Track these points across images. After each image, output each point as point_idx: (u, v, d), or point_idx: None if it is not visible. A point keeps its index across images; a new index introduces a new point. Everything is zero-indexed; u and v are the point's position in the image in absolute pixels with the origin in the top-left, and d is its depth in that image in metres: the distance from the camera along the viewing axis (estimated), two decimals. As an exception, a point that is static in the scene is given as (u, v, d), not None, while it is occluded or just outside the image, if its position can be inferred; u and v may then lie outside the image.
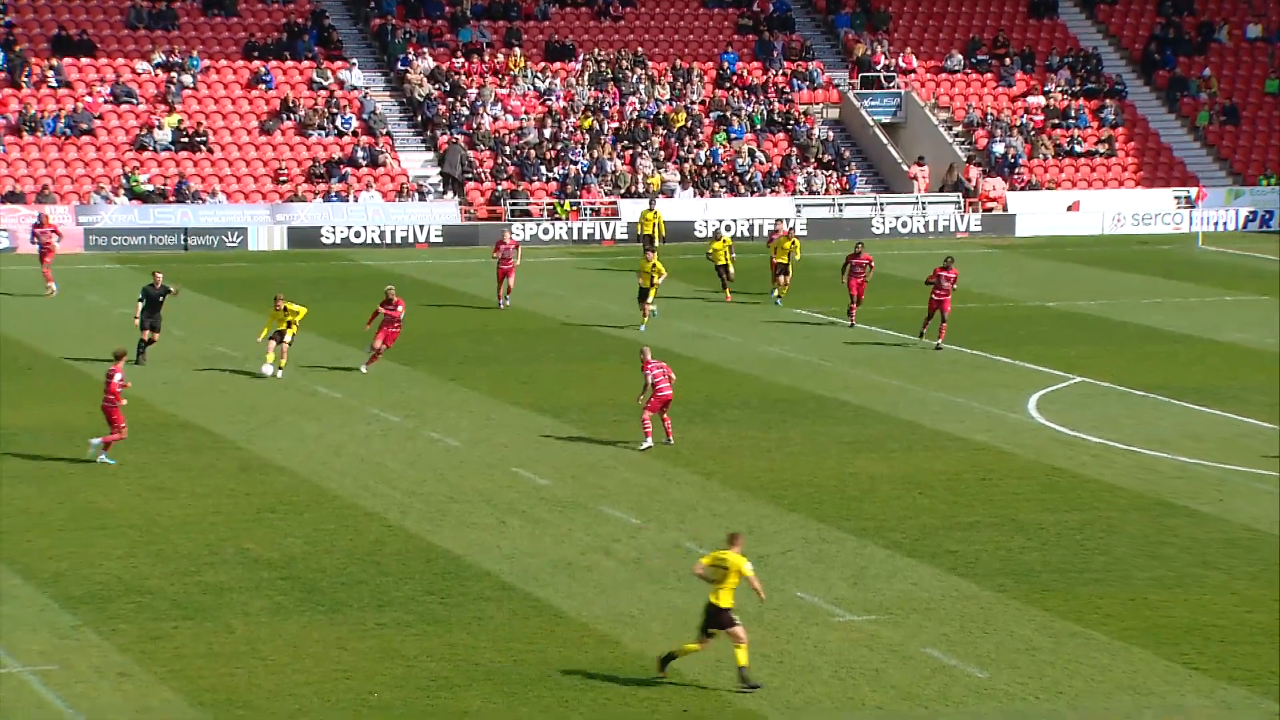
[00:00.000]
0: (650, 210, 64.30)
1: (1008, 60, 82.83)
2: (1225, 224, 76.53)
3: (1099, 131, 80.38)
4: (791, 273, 56.59)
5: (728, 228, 57.67)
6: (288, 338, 44.63)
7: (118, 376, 36.46)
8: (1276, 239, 73.98)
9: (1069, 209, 76.32)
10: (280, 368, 44.44)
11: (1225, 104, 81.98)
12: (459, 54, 79.16)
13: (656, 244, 60.51)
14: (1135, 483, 36.64)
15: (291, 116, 74.93)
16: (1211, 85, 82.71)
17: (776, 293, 56.92)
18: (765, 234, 64.41)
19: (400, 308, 45.72)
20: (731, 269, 57.15)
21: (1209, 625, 28.55)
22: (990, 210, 75.86)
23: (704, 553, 27.76)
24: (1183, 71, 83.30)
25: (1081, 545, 32.63)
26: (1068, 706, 25.16)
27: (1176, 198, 77.41)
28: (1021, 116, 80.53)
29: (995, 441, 39.99)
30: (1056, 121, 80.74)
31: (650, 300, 52.12)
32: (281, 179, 72.53)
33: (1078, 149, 79.55)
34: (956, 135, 79.33)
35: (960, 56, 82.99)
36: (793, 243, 57.13)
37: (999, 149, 78.45)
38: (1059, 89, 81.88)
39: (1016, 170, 77.92)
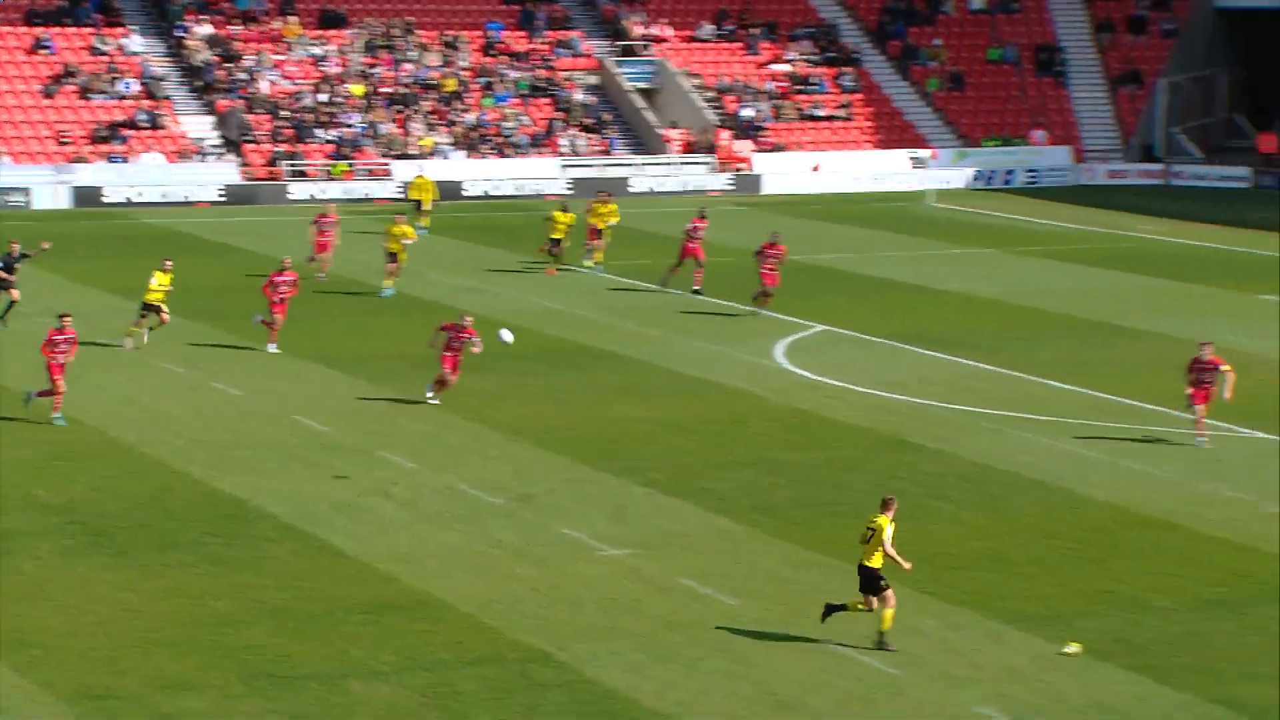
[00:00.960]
0: (421, 175, 63.79)
1: (753, 30, 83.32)
2: (954, 183, 77.62)
3: (838, 97, 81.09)
4: (606, 239, 54.57)
5: (564, 207, 54.04)
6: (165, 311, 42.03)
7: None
8: (1000, 196, 75.22)
9: (812, 169, 76.97)
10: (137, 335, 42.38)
11: (952, 71, 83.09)
12: (236, 21, 78.05)
13: (428, 207, 60.06)
14: (873, 423, 37.12)
15: (73, 81, 73.42)
16: (940, 54, 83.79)
17: (593, 259, 54.36)
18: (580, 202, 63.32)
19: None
20: (563, 244, 53.90)
21: (940, 553, 29.03)
22: (739, 171, 76.32)
23: (476, 493, 27.74)
24: (913, 41, 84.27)
25: (825, 481, 33.02)
26: (812, 630, 25.46)
27: (910, 159, 78.42)
28: (767, 83, 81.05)
29: (747, 386, 40.30)
30: (799, 88, 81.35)
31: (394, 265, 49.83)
32: (64, 141, 71.06)
33: (818, 113, 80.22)
34: (708, 100, 79.65)
35: (710, 27, 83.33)
36: (609, 209, 54.73)
37: (747, 113, 78.92)
38: (801, 57, 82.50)
39: (762, 133, 78.44)
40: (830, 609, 25.25)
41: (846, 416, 37.62)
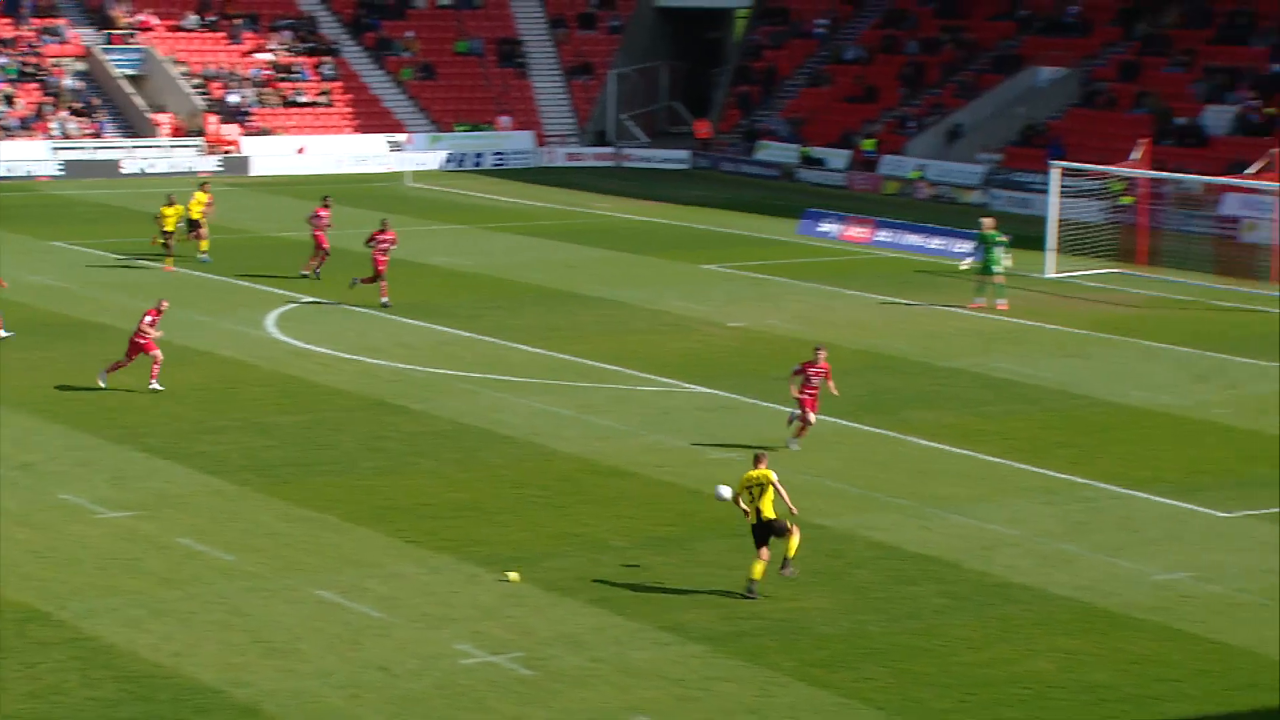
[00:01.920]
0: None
1: (236, 21, 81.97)
2: (429, 165, 77.83)
3: (319, 84, 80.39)
4: (205, 228, 51.59)
5: (170, 200, 50.80)
6: None
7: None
8: (471, 177, 75.78)
9: (297, 152, 76.19)
10: None
11: (424, 62, 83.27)
12: None
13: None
14: (358, 386, 37.05)
15: None
16: (412, 45, 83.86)
17: (200, 253, 51.12)
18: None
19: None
20: (174, 236, 50.13)
21: (422, 505, 29.21)
22: (227, 153, 75.07)
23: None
24: (387, 33, 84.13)
25: (314, 442, 32.84)
26: (305, 581, 25.33)
27: (388, 142, 78.34)
28: (251, 70, 79.86)
29: (239, 355, 39.77)
30: (282, 75, 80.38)
31: None
32: None
33: (301, 100, 79.43)
34: (195, 87, 78.05)
35: (195, 17, 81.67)
36: (201, 199, 51.39)
37: (233, 99, 77.66)
38: (282, 47, 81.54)
39: (248, 118, 77.30)
40: (751, 586, 24.96)
41: (333, 381, 37.46)
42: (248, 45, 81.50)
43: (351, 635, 23.62)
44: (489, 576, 25.86)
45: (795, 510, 25.57)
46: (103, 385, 36.14)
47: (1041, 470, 31.82)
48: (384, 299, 45.40)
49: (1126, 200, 58.67)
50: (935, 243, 56.56)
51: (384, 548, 27.03)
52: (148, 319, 36.26)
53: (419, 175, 74.63)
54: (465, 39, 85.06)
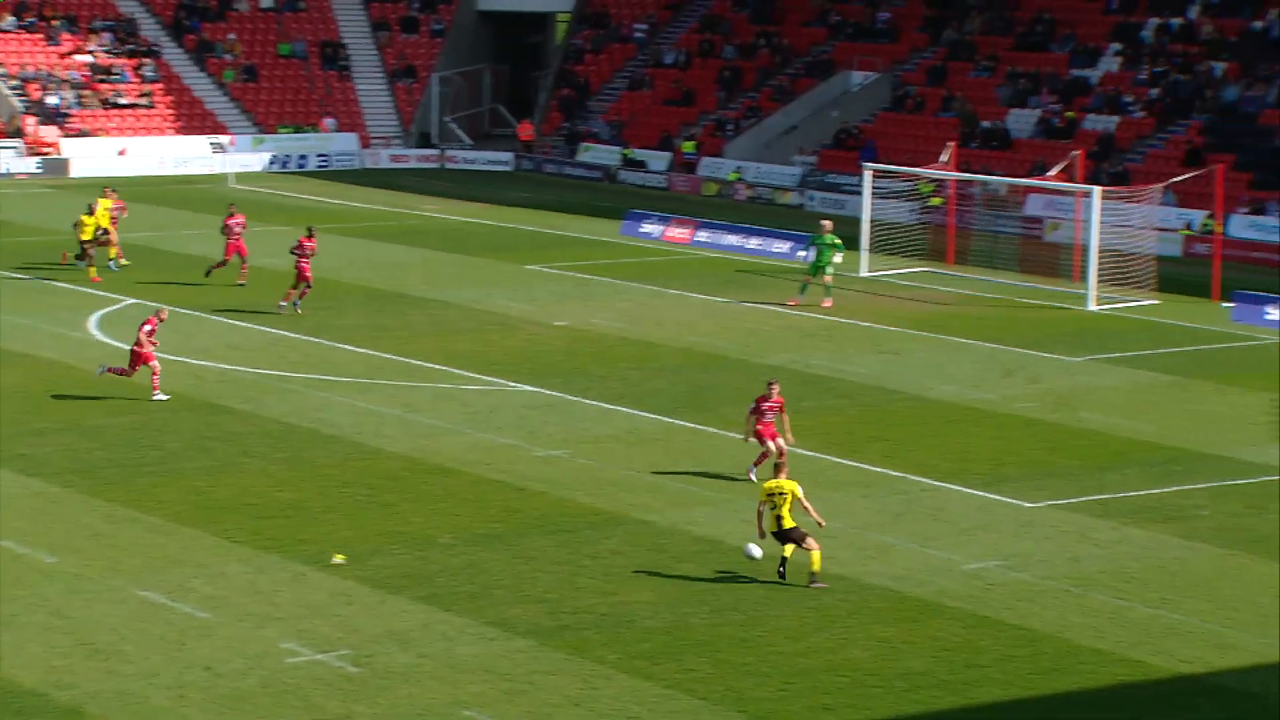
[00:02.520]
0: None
1: (54, 22, 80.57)
2: (252, 166, 77.01)
3: (140, 86, 79.21)
4: (114, 232, 49.72)
5: (90, 209, 47.75)
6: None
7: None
8: (295, 179, 75.09)
9: (119, 154, 75.01)
10: None
11: (246, 64, 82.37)
12: None
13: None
14: (185, 388, 36.57)
15: None
16: (234, 47, 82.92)
17: (114, 261, 49.44)
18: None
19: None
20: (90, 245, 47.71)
21: (248, 504, 28.93)
22: (46, 155, 73.73)
23: None
24: (208, 35, 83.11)
25: (139, 443, 32.37)
26: (130, 582, 24.97)
27: (211, 144, 77.38)
28: (70, 72, 78.51)
29: (60, 356, 39.09)
30: (101, 77, 79.11)
31: None
32: None
33: (122, 102, 78.22)
34: (13, 88, 76.58)
35: (12, 19, 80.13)
36: (106, 204, 49.47)
37: (52, 101, 76.29)
38: (101, 49, 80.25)
39: (68, 120, 76.00)
40: (783, 564, 25.64)
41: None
42: (66, 47, 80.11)
43: (176, 635, 23.32)
44: (316, 575, 25.67)
45: (822, 523, 26.15)
46: (98, 374, 35.87)
47: (857, 464, 32.18)
48: (283, 303, 44.67)
49: (936, 201, 59.50)
50: (754, 243, 56.99)
51: (210, 548, 26.72)
52: (146, 328, 35.37)
53: (242, 177, 73.80)
54: (288, 41, 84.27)
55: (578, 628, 23.97)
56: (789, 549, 25.68)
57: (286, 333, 42.52)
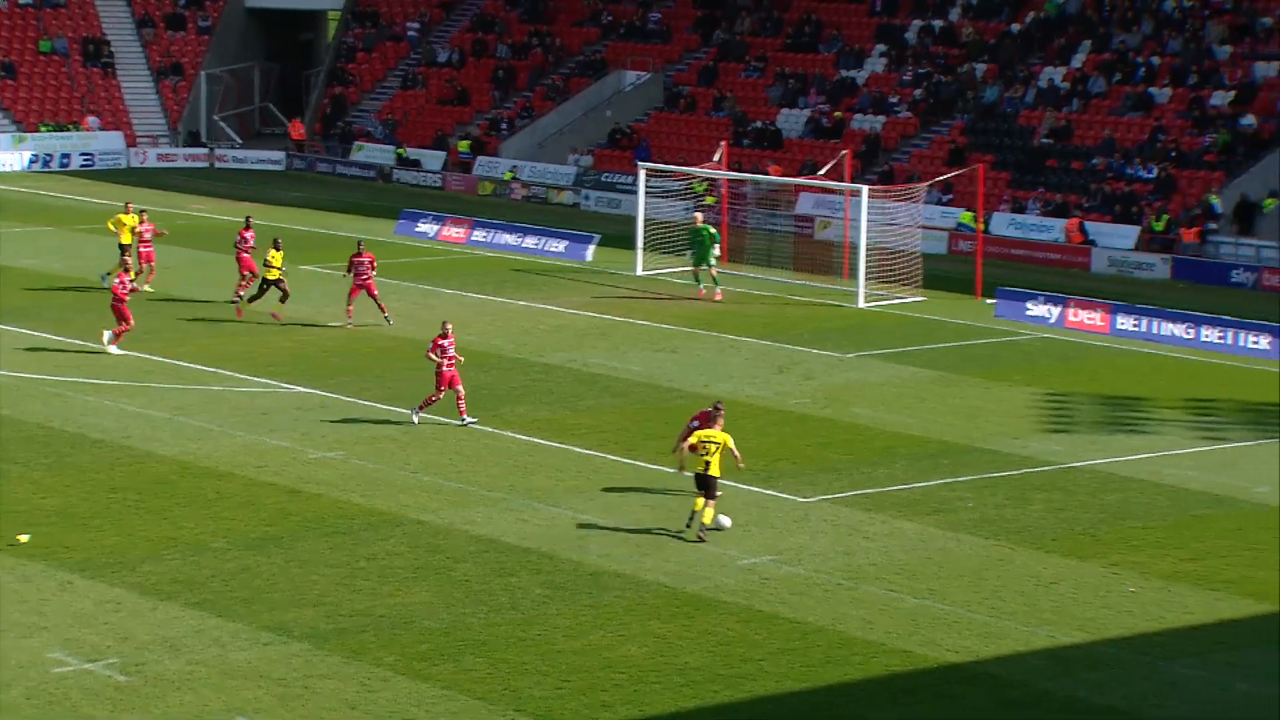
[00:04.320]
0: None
1: None
2: (13, 166, 75.23)
3: (-103, 84, 77.08)
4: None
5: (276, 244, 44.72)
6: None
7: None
8: (58, 178, 73.54)
9: (-127, 153, 72.88)
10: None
11: (5, 61, 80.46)
12: None
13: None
14: (-57, 393, 35.65)
15: None
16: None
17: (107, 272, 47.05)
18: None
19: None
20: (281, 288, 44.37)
21: (11, 511, 28.28)
22: None
23: None
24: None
25: (-104, 451, 31.45)
26: (-111, 593, 24.27)
27: (-29, 144, 75.59)
28: None
29: None
30: None
31: None
32: None
33: (-122, 99, 76.00)
34: None
35: None
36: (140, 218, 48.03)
37: None
38: None
39: None
40: (692, 519, 27.50)
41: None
42: None
43: (-60, 647, 22.71)
44: (83, 583, 25.15)
45: (742, 465, 28.19)
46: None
47: (633, 461, 32.33)
48: (240, 294, 45.07)
49: (710, 200, 60.01)
50: (530, 242, 56.99)
51: (-27, 557, 26.06)
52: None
53: (1, 177, 72.08)
54: (48, 38, 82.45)
55: (355, 630, 23.78)
56: (700, 502, 27.36)
57: (50, 335, 41.63)
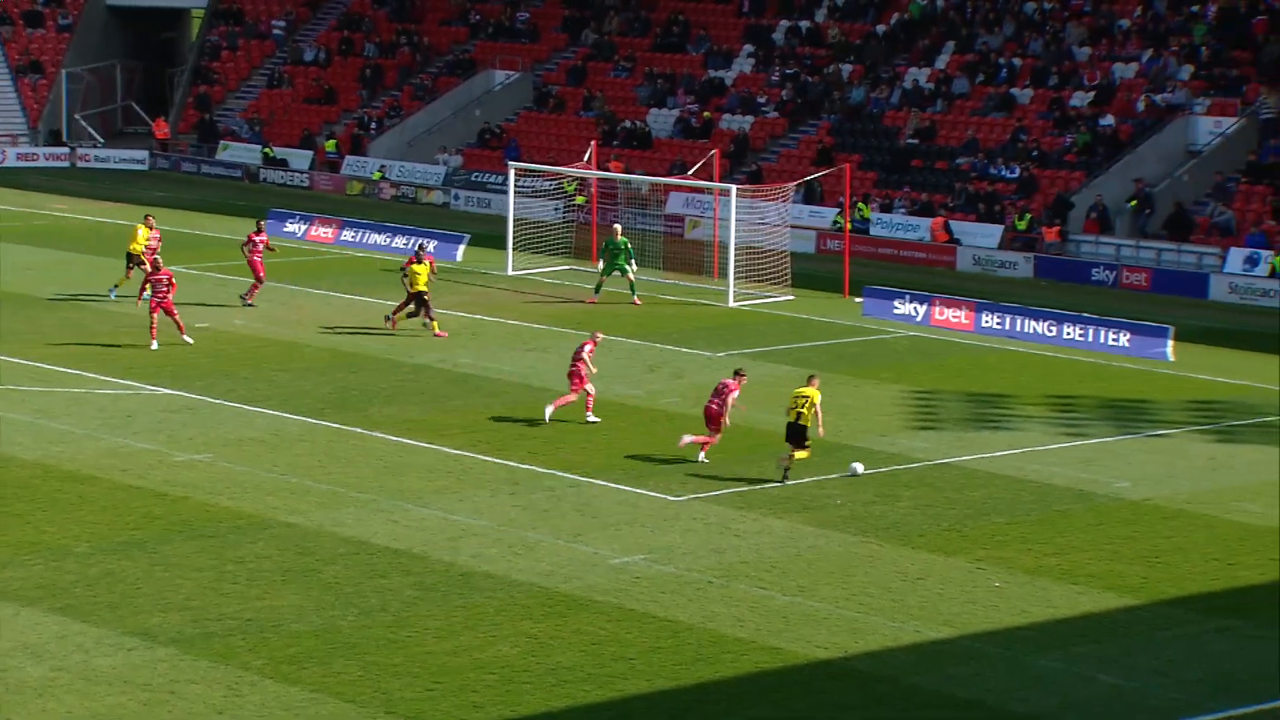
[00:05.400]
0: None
1: None
2: None
3: None
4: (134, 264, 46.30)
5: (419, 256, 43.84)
6: None
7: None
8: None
9: None
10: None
11: None
12: None
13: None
14: None
15: None
16: None
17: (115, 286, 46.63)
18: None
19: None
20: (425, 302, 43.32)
21: None
22: None
23: None
24: None
25: None
26: None
27: None
28: None
29: None
30: None
31: None
32: None
33: None
34: None
35: None
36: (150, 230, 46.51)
37: None
38: None
39: None
40: (784, 469, 31.02)
41: None
42: None
43: None
44: (-55, 589, 24.73)
45: (822, 433, 31.62)
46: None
47: (504, 461, 32.26)
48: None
49: (580, 200, 59.99)
50: (399, 242, 56.72)
51: None
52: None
53: None
54: None
55: (222, 634, 23.55)
56: (800, 454, 30.95)
57: (-89, 338, 40.94)
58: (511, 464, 32.11)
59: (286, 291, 48.61)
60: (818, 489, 31.02)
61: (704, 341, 43.64)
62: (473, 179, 69.10)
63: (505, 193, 55.87)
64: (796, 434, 31.11)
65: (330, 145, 73.67)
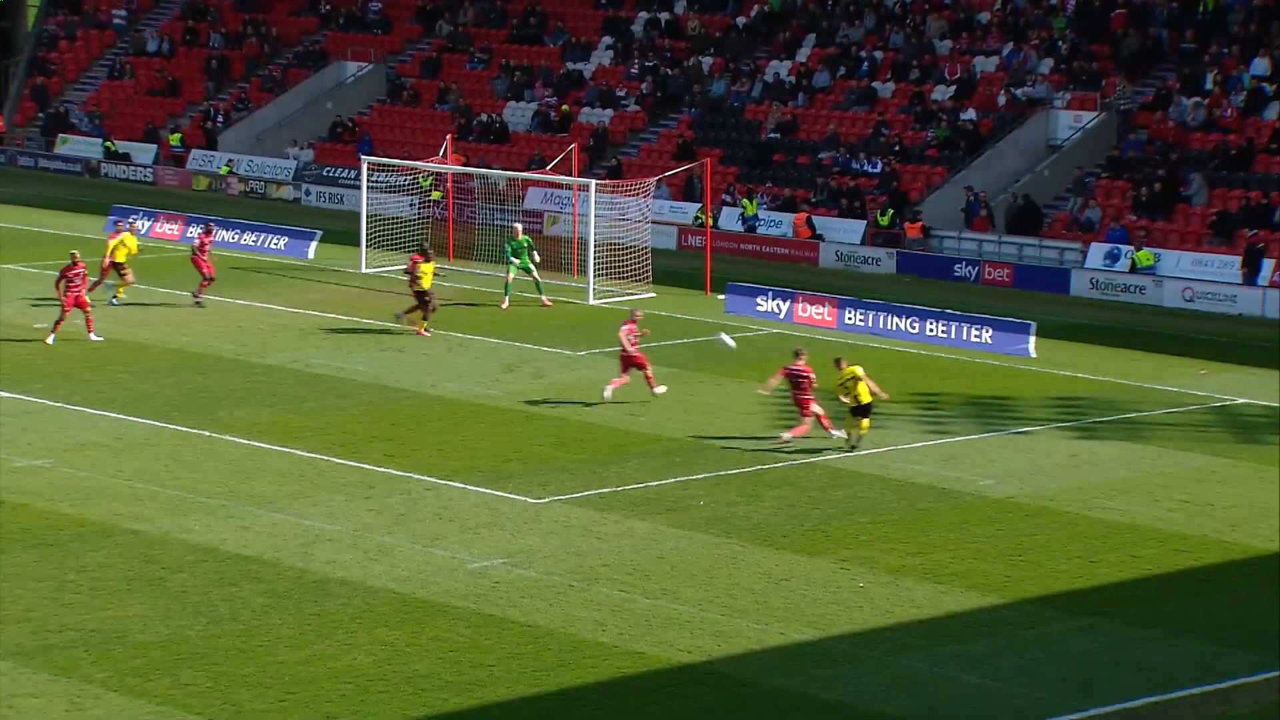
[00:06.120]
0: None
1: None
2: None
3: None
4: (129, 272, 46.16)
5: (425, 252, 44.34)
6: None
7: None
8: None
9: None
10: None
11: None
12: None
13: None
14: None
15: None
16: None
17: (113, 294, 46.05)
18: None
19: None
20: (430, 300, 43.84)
21: None
22: None
23: None
24: None
25: None
26: None
27: None
28: None
29: None
30: None
31: None
32: None
33: None
34: None
35: None
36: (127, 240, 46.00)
37: None
38: None
39: None
40: (853, 444, 32.93)
41: None
42: None
43: None
44: None
45: (884, 395, 33.45)
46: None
47: (359, 464, 32.05)
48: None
49: (436, 195, 59.75)
50: (249, 239, 56.19)
51: None
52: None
53: None
54: None
55: (64, 646, 23.20)
56: (865, 424, 33.01)
57: None
58: (367, 467, 31.91)
59: (130, 291, 47.98)
60: (681, 490, 31.09)
61: (564, 340, 43.60)
62: (325, 174, 68.61)
63: (358, 188, 55.50)
64: (862, 411, 33.13)
65: (175, 139, 72.82)
